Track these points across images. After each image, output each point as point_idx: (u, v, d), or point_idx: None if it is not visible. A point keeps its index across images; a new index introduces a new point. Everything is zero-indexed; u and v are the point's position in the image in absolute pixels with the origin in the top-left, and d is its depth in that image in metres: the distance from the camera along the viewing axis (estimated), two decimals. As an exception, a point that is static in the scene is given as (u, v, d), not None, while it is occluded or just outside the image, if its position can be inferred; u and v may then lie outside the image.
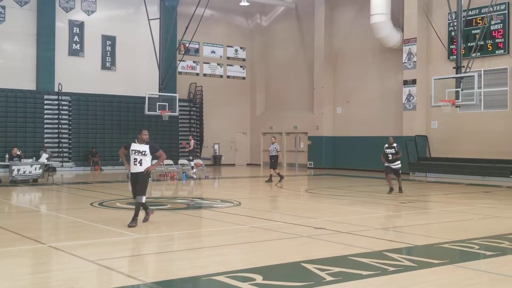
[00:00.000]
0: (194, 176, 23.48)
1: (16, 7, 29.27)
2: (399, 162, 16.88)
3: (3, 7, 28.92)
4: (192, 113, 34.39)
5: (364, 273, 6.75)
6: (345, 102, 32.05)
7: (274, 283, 6.32)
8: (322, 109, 32.70)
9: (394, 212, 13.36)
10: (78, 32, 31.01)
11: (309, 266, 7.04)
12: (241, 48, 37.94)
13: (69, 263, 7.63)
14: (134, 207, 13.68)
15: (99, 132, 30.19)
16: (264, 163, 35.90)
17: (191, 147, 24.05)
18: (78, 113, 30.02)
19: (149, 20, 27.77)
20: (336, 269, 6.90)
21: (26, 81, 29.34)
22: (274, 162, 21.93)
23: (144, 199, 10.43)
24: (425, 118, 27.32)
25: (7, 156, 21.98)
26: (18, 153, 21.51)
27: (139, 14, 31.38)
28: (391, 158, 16.74)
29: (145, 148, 10.17)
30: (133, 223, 10.16)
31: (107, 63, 31.91)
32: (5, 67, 28.63)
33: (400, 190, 17.00)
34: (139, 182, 10.26)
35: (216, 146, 35.83)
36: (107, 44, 31.86)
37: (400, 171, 17.00)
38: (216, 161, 35.48)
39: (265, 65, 37.50)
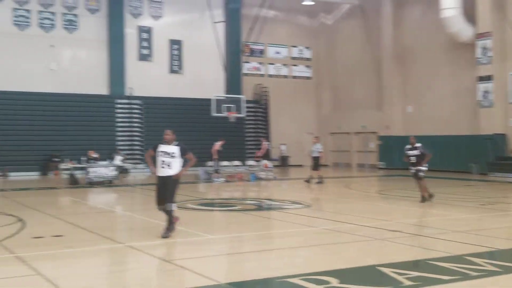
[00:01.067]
0: (266, 177, 23.45)
1: (87, 15, 30.37)
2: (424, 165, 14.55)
3: (76, 15, 30.07)
4: (258, 114, 34.50)
5: (445, 277, 6.48)
6: (415, 100, 31.16)
7: (351, 286, 6.18)
8: (392, 108, 31.97)
9: (473, 214, 12.78)
10: (146, 37, 31.79)
11: (386, 270, 6.84)
12: (306, 47, 37.69)
13: (146, 262, 7.84)
14: (206, 208, 13.99)
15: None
16: (333, 164, 35.52)
17: (263, 150, 23.92)
18: (148, 116, 30.77)
19: (214, 23, 28.07)
20: (415, 274, 6.67)
21: (99, 86, 30.36)
22: (316, 163, 21.36)
23: (174, 207, 9.51)
24: (504, 115, 26.09)
25: (84, 158, 22.83)
26: (94, 155, 22.30)
27: (205, 18, 31.78)
28: (414, 161, 14.50)
29: (174, 149, 9.34)
30: (168, 232, 9.37)
31: (175, 66, 32.53)
32: (79, 73, 29.73)
33: (423, 199, 14.39)
34: (168, 188, 9.31)
35: (283, 147, 35.73)
36: (174, 48, 32.47)
37: (422, 175, 14.51)
38: (283, 162, 35.36)
39: (331, 64, 37.08)
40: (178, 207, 13.67)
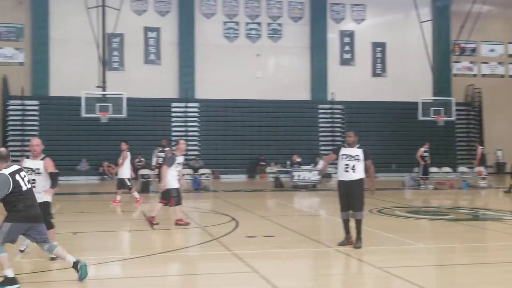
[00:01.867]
0: (480, 184, 21.60)
1: (291, 23, 31.35)
2: None
3: (280, 24, 31.23)
4: (470, 117, 32.20)
5: None
6: None
7: None
8: None
9: None
10: (348, 41, 31.77)
11: None
12: (527, 43, 34.22)
13: (355, 268, 7.75)
14: (415, 216, 13.22)
15: (370, 139, 29.94)
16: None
17: (479, 156, 22.05)
18: (350, 121, 30.57)
19: (420, 23, 26.99)
20: None
21: (302, 92, 31.08)
22: None
23: (363, 215, 8.91)
24: None
25: (288, 162, 23.46)
26: (298, 160, 22.75)
27: (409, 18, 30.69)
28: None
29: (358, 152, 8.75)
30: (358, 243, 8.70)
31: (378, 70, 31.98)
32: (283, 80, 30.75)
33: None
34: (355, 194, 8.72)
35: (499, 153, 32.68)
36: (377, 51, 31.94)
37: None
38: (499, 169, 32.31)
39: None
40: (386, 214, 13.26)
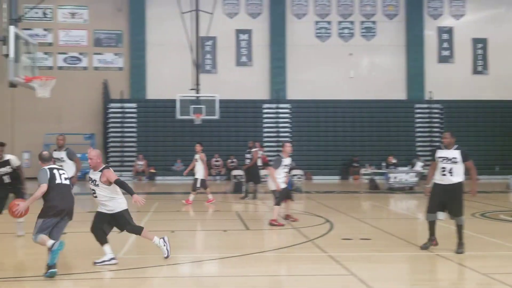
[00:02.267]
0: None
1: (386, 21, 30.54)
2: None
3: (374, 22, 30.50)
4: None
5: None
6: None
7: None
8: None
9: None
10: (446, 38, 30.54)
11: None
12: None
13: (457, 273, 7.44)
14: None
15: (471, 140, 28.49)
16: None
17: None
18: (449, 121, 29.26)
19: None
20: None
21: (397, 91, 30.18)
22: None
23: (464, 220, 8.40)
24: None
25: (384, 164, 22.81)
26: (394, 161, 22.02)
27: (513, 12, 29.03)
28: None
29: (455, 154, 8.30)
30: (460, 249, 8.27)
31: (479, 67, 30.49)
32: (376, 79, 30.00)
33: None
34: (454, 199, 8.29)
35: None
36: (478, 47, 30.46)
37: None
38: None
39: None
40: (490, 218, 12.51)
